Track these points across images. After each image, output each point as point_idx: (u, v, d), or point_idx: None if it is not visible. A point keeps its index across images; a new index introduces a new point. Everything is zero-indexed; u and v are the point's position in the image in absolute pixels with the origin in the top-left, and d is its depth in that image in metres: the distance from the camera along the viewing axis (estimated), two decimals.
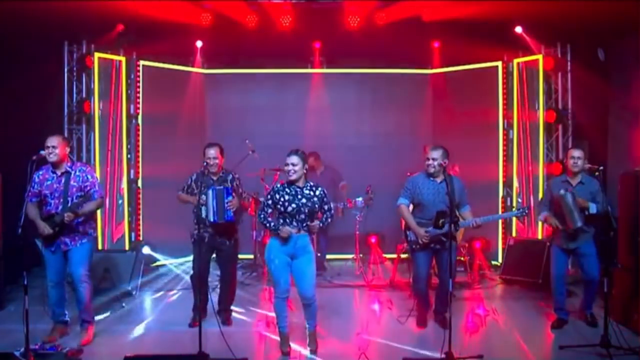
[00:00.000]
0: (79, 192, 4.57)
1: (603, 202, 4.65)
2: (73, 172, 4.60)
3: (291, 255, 4.37)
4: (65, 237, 4.58)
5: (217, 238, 5.00)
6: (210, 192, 4.81)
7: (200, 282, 4.84)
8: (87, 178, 4.63)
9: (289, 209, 4.30)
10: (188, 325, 4.98)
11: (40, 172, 4.58)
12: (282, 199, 4.32)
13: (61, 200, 4.52)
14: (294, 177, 4.33)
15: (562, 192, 4.78)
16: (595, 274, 4.87)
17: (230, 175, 5.07)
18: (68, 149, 4.66)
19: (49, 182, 4.56)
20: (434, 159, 4.77)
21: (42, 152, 4.35)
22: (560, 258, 5.03)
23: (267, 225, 4.38)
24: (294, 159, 4.32)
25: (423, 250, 4.91)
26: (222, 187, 4.87)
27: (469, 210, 4.92)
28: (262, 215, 4.39)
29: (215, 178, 4.99)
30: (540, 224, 7.12)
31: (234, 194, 4.91)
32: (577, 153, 4.88)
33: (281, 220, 4.36)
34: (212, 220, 4.83)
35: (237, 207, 4.93)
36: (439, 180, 4.83)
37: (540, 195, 7.14)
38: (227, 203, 4.81)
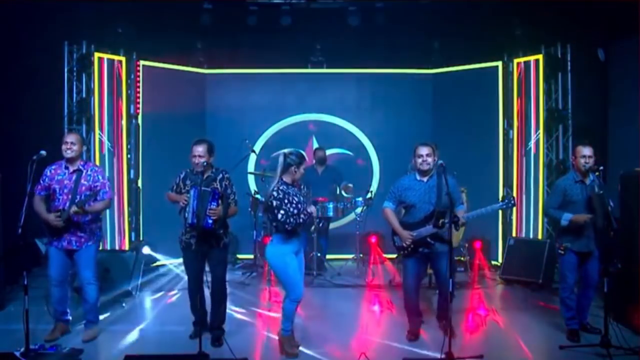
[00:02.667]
0: (88, 191, 4.59)
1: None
2: (85, 171, 4.64)
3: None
4: (71, 236, 4.59)
5: (204, 243, 4.57)
6: (192, 191, 4.46)
7: (194, 293, 4.69)
8: (98, 178, 4.66)
9: (302, 208, 4.22)
10: (189, 337, 4.74)
11: (53, 167, 4.64)
12: (295, 199, 4.21)
13: (70, 196, 4.54)
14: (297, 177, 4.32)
15: (596, 190, 4.52)
16: (596, 279, 4.73)
17: (221, 175, 4.68)
18: (85, 148, 4.72)
19: (60, 177, 4.59)
20: (427, 155, 4.55)
21: (43, 152, 4.35)
22: (575, 266, 4.74)
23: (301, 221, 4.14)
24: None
25: (412, 257, 4.67)
26: (208, 189, 4.48)
27: (464, 210, 4.71)
28: (294, 221, 4.14)
29: (204, 177, 4.60)
30: (540, 224, 7.12)
31: (220, 202, 4.47)
32: (587, 151, 4.62)
33: (292, 220, 4.17)
34: (189, 222, 4.49)
35: (220, 216, 4.48)
36: (426, 179, 4.61)
37: (541, 196, 7.16)
38: (209, 209, 4.41)
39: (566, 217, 4.60)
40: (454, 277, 4.57)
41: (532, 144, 7.28)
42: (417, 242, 4.59)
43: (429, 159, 4.55)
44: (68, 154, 4.57)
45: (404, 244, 4.63)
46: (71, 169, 4.62)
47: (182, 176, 4.74)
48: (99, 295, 4.83)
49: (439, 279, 4.80)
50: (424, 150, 4.57)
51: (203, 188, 4.47)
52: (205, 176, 4.62)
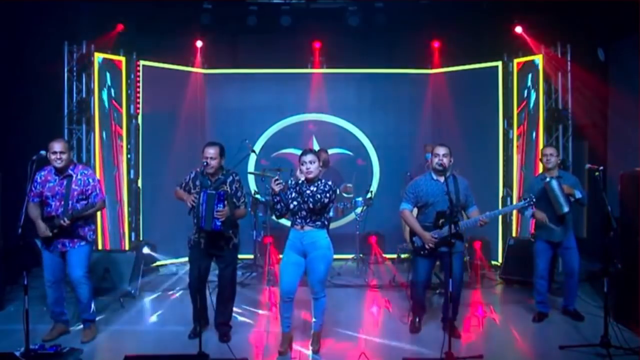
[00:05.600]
0: (80, 195, 4.59)
1: (584, 193, 4.95)
2: (75, 176, 4.61)
3: (303, 254, 4.37)
4: (64, 239, 4.58)
5: (214, 244, 4.61)
6: (201, 194, 4.45)
7: (197, 291, 4.65)
8: (89, 182, 4.64)
9: (291, 206, 4.34)
10: (188, 337, 4.72)
11: (43, 173, 4.59)
12: (290, 196, 4.36)
13: (62, 202, 4.54)
14: (312, 175, 4.32)
15: (547, 179, 4.99)
16: (576, 267, 5.15)
17: (231, 177, 4.68)
18: (72, 153, 4.69)
19: (51, 184, 4.57)
20: (443, 156, 4.62)
21: (42, 152, 4.34)
22: (546, 253, 5.22)
23: (275, 205, 4.39)
24: (311, 157, 4.33)
25: (428, 256, 4.74)
26: (214, 192, 4.48)
27: (477, 210, 4.75)
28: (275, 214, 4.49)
29: (213, 179, 4.63)
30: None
31: (226, 202, 4.48)
32: (549, 150, 5.15)
33: (291, 218, 4.42)
34: (200, 225, 4.49)
35: (227, 217, 4.50)
36: (442, 179, 4.63)
37: None
38: (216, 212, 4.42)
39: (528, 211, 5.12)
40: (462, 276, 4.62)
41: (532, 144, 7.27)
42: (438, 242, 4.62)
43: (445, 160, 4.62)
44: (58, 163, 4.50)
45: (427, 246, 4.65)
46: (61, 175, 4.58)
47: (192, 176, 4.72)
48: (92, 294, 4.79)
49: (448, 279, 4.66)
50: (441, 150, 4.65)
51: (209, 191, 4.48)
52: (214, 179, 4.63)
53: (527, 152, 7.33)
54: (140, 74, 7.47)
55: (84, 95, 6.99)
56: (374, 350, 4.45)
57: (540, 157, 5.28)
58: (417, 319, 4.96)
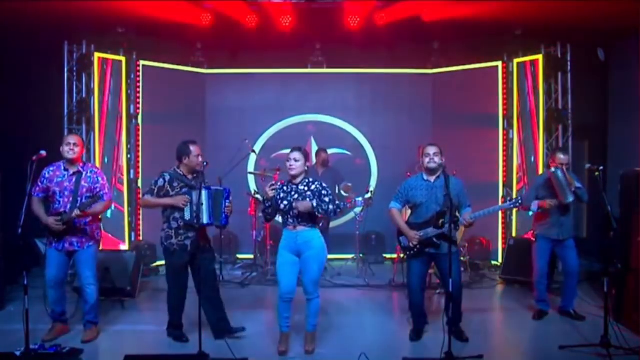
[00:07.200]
0: (88, 192, 4.59)
1: (584, 189, 5.07)
2: (85, 173, 4.63)
3: (297, 253, 4.35)
4: (72, 237, 4.59)
5: (199, 243, 4.57)
6: (204, 192, 4.45)
7: (182, 298, 4.64)
8: (98, 180, 4.66)
9: (282, 206, 4.32)
10: (186, 341, 4.65)
11: (52, 169, 4.61)
12: (278, 197, 4.35)
13: (71, 199, 4.54)
14: (294, 172, 4.33)
15: (552, 169, 5.05)
16: (575, 268, 5.20)
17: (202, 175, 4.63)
18: (84, 151, 4.73)
19: (59, 179, 4.58)
20: (434, 155, 4.56)
21: (43, 152, 4.34)
22: (546, 251, 5.27)
23: (265, 209, 4.40)
24: (296, 154, 4.35)
25: (418, 257, 4.64)
26: (221, 188, 4.62)
27: (470, 212, 4.65)
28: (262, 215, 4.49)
29: (190, 177, 4.63)
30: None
31: (231, 199, 4.61)
32: (565, 160, 5.14)
33: (281, 219, 4.41)
34: (205, 222, 4.47)
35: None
36: (433, 179, 4.61)
37: None
38: (225, 207, 4.55)
39: (534, 204, 5.14)
40: (460, 278, 4.59)
41: (532, 144, 7.28)
42: (423, 242, 4.56)
43: (436, 158, 4.57)
44: (70, 154, 4.54)
45: (411, 244, 4.61)
46: (71, 170, 4.60)
47: (167, 179, 4.61)
48: (99, 296, 4.83)
49: (444, 281, 4.71)
50: (431, 150, 4.61)
51: (216, 187, 4.59)
52: (191, 177, 4.66)
53: (527, 152, 7.33)
54: (140, 74, 7.48)
55: (84, 95, 6.99)
56: (374, 350, 4.45)
57: (552, 160, 5.22)
58: (418, 329, 4.81)
